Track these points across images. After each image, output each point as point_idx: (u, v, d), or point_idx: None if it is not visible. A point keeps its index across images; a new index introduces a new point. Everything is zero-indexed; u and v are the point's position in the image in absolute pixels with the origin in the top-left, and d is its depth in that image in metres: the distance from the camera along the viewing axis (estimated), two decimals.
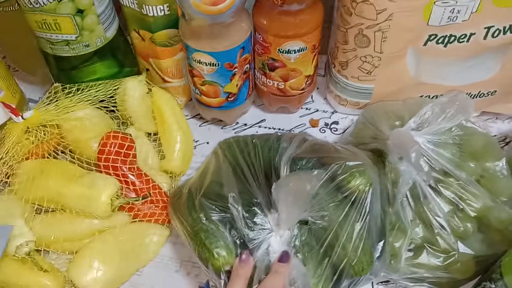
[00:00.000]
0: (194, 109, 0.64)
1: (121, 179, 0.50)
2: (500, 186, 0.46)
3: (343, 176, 0.41)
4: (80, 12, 0.50)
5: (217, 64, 0.53)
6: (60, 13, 0.49)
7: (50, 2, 0.47)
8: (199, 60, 0.53)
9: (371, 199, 0.41)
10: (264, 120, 0.64)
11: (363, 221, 0.40)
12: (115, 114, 0.56)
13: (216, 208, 0.44)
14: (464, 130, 0.46)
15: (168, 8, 0.52)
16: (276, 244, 0.42)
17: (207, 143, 0.62)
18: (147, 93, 0.58)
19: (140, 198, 0.50)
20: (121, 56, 0.59)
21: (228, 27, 0.51)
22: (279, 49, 0.54)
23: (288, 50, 0.53)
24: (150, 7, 0.52)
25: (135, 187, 0.51)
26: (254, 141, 0.50)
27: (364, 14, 0.50)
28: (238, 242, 0.43)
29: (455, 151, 0.45)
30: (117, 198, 0.49)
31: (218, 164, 0.50)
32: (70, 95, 0.55)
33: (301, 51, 0.54)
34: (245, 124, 0.64)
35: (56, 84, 0.55)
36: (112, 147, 0.51)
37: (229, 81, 0.55)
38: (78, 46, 0.53)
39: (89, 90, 0.55)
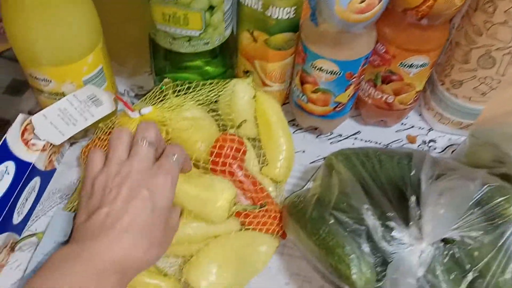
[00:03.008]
0: (287, 114, 0.62)
1: (238, 184, 0.49)
2: None
3: (499, 200, 0.40)
4: (211, 8, 0.48)
5: (338, 72, 0.51)
6: (193, 8, 0.47)
7: None
8: (320, 67, 0.51)
9: None
10: (360, 132, 0.63)
11: None
12: (221, 117, 0.54)
13: (350, 221, 0.43)
14: None
15: (294, 12, 0.51)
16: (414, 260, 0.41)
17: (303, 151, 0.60)
18: (253, 97, 0.56)
19: (258, 207, 0.48)
20: (228, 56, 0.57)
21: (357, 37, 0.49)
22: (401, 63, 0.52)
23: (411, 64, 0.52)
24: (277, 9, 0.50)
25: (250, 194, 0.49)
26: (378, 153, 0.49)
27: (497, 36, 0.49)
28: (375, 256, 0.42)
29: None
30: (234, 204, 0.47)
31: (340, 176, 0.48)
32: (180, 93, 0.53)
33: (422, 66, 0.53)
34: (340, 135, 0.62)
35: (167, 80, 0.52)
36: (229, 150, 0.49)
37: (344, 90, 0.54)
38: (199, 43, 0.51)
39: (200, 89, 0.53)
